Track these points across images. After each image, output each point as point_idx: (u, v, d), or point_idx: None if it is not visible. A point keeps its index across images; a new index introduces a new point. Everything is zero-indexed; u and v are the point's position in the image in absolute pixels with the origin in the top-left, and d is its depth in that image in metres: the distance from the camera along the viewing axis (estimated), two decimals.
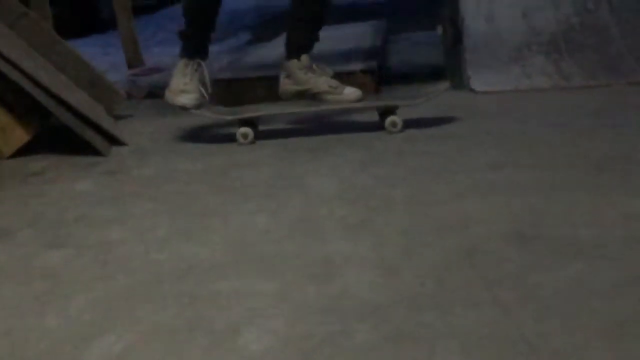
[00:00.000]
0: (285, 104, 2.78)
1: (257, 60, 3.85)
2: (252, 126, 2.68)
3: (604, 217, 1.68)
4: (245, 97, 3.18)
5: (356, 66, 3.35)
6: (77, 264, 1.69)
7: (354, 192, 2.02)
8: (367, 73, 3.26)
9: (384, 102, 2.76)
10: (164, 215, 1.97)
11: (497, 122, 2.66)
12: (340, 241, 1.68)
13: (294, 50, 2.69)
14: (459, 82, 3.22)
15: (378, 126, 2.65)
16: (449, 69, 3.45)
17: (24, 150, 2.74)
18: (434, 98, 2.74)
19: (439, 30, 3.81)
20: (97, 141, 2.68)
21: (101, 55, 5.40)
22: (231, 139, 2.66)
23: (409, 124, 2.63)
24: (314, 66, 2.69)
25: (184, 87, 2.70)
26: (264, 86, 3.13)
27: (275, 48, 3.14)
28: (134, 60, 4.76)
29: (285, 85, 2.73)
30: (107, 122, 2.84)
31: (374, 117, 2.73)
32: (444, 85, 2.82)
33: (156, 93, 3.32)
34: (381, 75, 3.51)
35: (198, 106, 2.71)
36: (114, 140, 2.77)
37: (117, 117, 3.18)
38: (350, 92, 2.69)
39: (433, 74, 3.41)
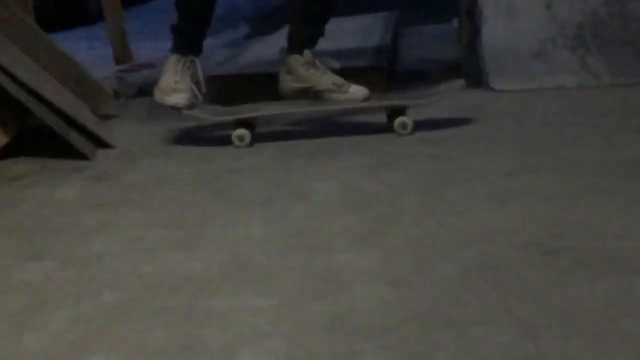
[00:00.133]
0: (286, 103, 2.78)
1: (256, 56, 3.86)
2: (249, 128, 2.68)
3: (636, 228, 1.67)
4: (242, 96, 3.18)
5: (364, 62, 3.35)
6: (59, 278, 1.69)
7: (360, 200, 2.02)
8: (375, 70, 3.26)
9: (392, 102, 2.76)
10: (153, 224, 1.97)
11: (517, 123, 2.66)
12: (346, 253, 1.68)
13: (296, 44, 2.70)
14: (476, 80, 3.22)
15: (386, 128, 2.65)
16: (465, 65, 3.45)
17: (2, 153, 2.74)
18: (448, 97, 2.74)
19: (455, 23, 3.81)
20: (82, 143, 2.68)
21: (86, 49, 5.42)
22: (226, 141, 2.66)
23: (420, 125, 2.63)
24: (317, 62, 2.69)
25: (175, 85, 2.70)
26: (264, 84, 3.13)
27: (276, 42, 3.14)
28: (122, 55, 4.77)
29: (286, 82, 2.73)
30: (92, 123, 2.85)
31: (382, 118, 2.73)
32: (458, 83, 2.82)
33: (146, 91, 3.32)
34: (391, 72, 3.52)
35: (190, 106, 2.71)
36: (100, 143, 2.77)
37: (104, 117, 3.18)
38: (356, 90, 2.70)
39: (448, 72, 3.41)
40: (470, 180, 2.08)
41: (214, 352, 1.32)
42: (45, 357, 1.36)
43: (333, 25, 2.79)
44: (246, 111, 2.76)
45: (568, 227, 1.71)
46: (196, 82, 2.71)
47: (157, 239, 1.87)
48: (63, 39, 4.59)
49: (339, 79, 2.70)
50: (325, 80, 2.69)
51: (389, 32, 4.41)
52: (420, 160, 2.32)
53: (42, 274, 1.72)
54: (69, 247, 1.87)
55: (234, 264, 1.68)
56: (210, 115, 2.77)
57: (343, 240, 1.76)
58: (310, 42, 2.71)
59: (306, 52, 2.68)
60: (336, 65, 2.71)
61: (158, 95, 2.75)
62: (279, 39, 3.04)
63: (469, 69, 3.35)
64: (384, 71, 3.32)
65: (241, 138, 2.65)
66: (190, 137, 2.88)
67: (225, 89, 3.32)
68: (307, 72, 2.69)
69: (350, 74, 2.80)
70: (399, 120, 2.61)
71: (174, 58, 2.73)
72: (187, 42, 2.73)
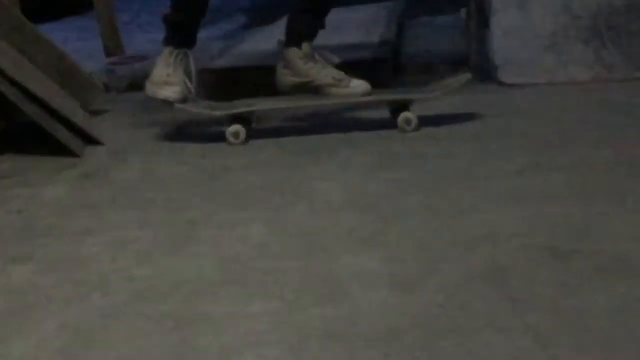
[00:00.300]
0: (283, 98, 2.78)
1: (254, 48, 3.85)
2: (244, 124, 2.67)
3: None
4: (239, 90, 3.17)
5: (366, 55, 3.35)
6: (46, 282, 1.69)
7: (363, 200, 2.02)
8: (378, 63, 3.26)
9: (396, 96, 2.76)
10: (145, 225, 1.97)
11: (528, 119, 2.66)
12: (348, 256, 1.68)
13: (295, 37, 2.70)
14: (485, 73, 3.22)
15: (390, 124, 2.65)
16: (473, 58, 3.45)
17: None
18: (455, 92, 2.74)
19: (463, 14, 3.81)
20: (70, 140, 2.68)
21: (75, 41, 5.41)
22: (221, 138, 2.66)
23: (425, 121, 2.63)
24: (317, 56, 2.69)
25: (168, 79, 2.70)
26: (262, 77, 3.13)
27: (275, 33, 3.14)
28: (113, 47, 4.77)
29: (284, 76, 2.73)
30: (81, 118, 2.85)
31: (386, 114, 2.73)
32: (466, 77, 2.82)
33: (138, 85, 3.32)
34: (395, 65, 3.52)
35: (183, 100, 2.71)
36: (89, 140, 2.77)
37: (94, 113, 3.18)
38: (358, 85, 2.69)
39: (455, 65, 3.41)
40: (478, 179, 2.08)
41: None
42: None
43: (334, 16, 2.79)
44: (241, 106, 2.76)
45: (581, 230, 1.71)
46: (188, 76, 2.71)
47: (149, 241, 1.87)
48: (51, 30, 4.58)
49: (339, 73, 2.69)
50: (325, 74, 2.68)
51: (393, 23, 4.41)
52: (426, 159, 2.32)
53: (28, 277, 1.72)
54: (56, 249, 1.87)
55: (229, 267, 1.68)
56: (204, 110, 2.77)
57: (344, 243, 1.76)
58: (310, 35, 2.71)
59: (305, 45, 2.68)
60: (336, 60, 2.71)
61: (150, 88, 2.75)
62: (279, 30, 3.03)
63: (477, 62, 3.35)
64: (388, 64, 3.32)
65: (236, 135, 2.64)
66: (184, 134, 2.88)
67: (220, 83, 3.32)
68: (306, 66, 2.68)
69: (352, 68, 2.80)
70: (403, 116, 2.61)
71: (166, 51, 2.73)
72: (181, 34, 2.73)
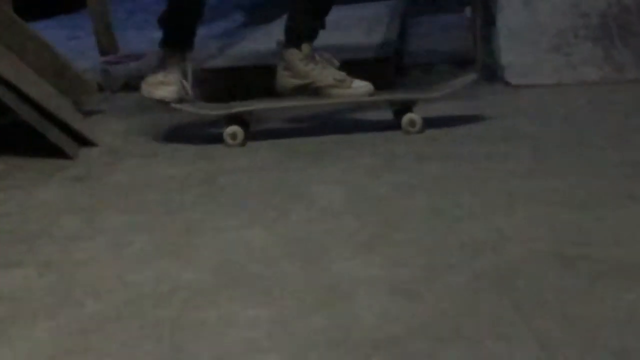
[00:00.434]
0: (283, 98, 2.78)
1: (253, 47, 3.86)
2: (242, 124, 2.67)
3: None
4: (238, 91, 3.18)
5: (368, 54, 3.36)
6: (38, 286, 1.70)
7: (365, 204, 2.02)
8: (381, 62, 3.26)
9: (399, 96, 2.76)
10: (140, 229, 1.98)
11: (535, 121, 2.66)
12: (349, 261, 1.68)
13: (294, 37, 2.69)
14: (491, 74, 3.22)
15: (393, 126, 2.65)
16: (478, 58, 3.45)
17: None
18: (460, 92, 2.74)
19: (468, 12, 3.82)
20: (63, 141, 2.68)
21: (68, 39, 5.42)
22: (218, 140, 2.66)
23: (429, 123, 2.63)
24: (317, 56, 2.69)
25: (163, 78, 2.71)
26: (261, 77, 3.13)
27: (274, 32, 3.14)
28: (107, 45, 4.77)
29: (283, 78, 2.73)
30: (75, 119, 2.85)
31: (389, 115, 2.73)
32: (471, 77, 2.83)
33: (133, 84, 3.33)
34: (398, 65, 3.52)
35: (179, 100, 2.72)
36: (82, 141, 2.77)
37: (87, 113, 3.18)
38: (360, 85, 2.70)
39: (460, 65, 3.41)
40: (484, 182, 2.09)
41: None
42: None
43: (335, 15, 2.79)
44: (239, 106, 2.76)
45: (589, 234, 1.71)
46: (185, 76, 2.72)
47: (143, 245, 1.87)
48: (43, 28, 4.59)
49: (340, 74, 2.69)
50: (326, 75, 2.68)
51: (396, 22, 4.41)
52: (430, 161, 2.32)
53: (20, 281, 1.72)
54: (49, 253, 1.87)
55: (227, 272, 1.68)
56: (200, 110, 2.77)
57: (346, 247, 1.76)
58: (310, 36, 2.70)
59: (305, 45, 2.67)
60: (335, 63, 2.71)
61: (145, 89, 2.76)
62: (278, 28, 3.04)
63: (483, 61, 3.35)
64: (391, 64, 3.33)
65: (233, 136, 2.64)
66: (180, 135, 2.88)
67: (219, 83, 3.32)
68: (306, 67, 2.68)
69: (353, 67, 2.80)
70: (406, 117, 2.62)
71: (163, 52, 2.74)
72: (177, 36, 2.74)
